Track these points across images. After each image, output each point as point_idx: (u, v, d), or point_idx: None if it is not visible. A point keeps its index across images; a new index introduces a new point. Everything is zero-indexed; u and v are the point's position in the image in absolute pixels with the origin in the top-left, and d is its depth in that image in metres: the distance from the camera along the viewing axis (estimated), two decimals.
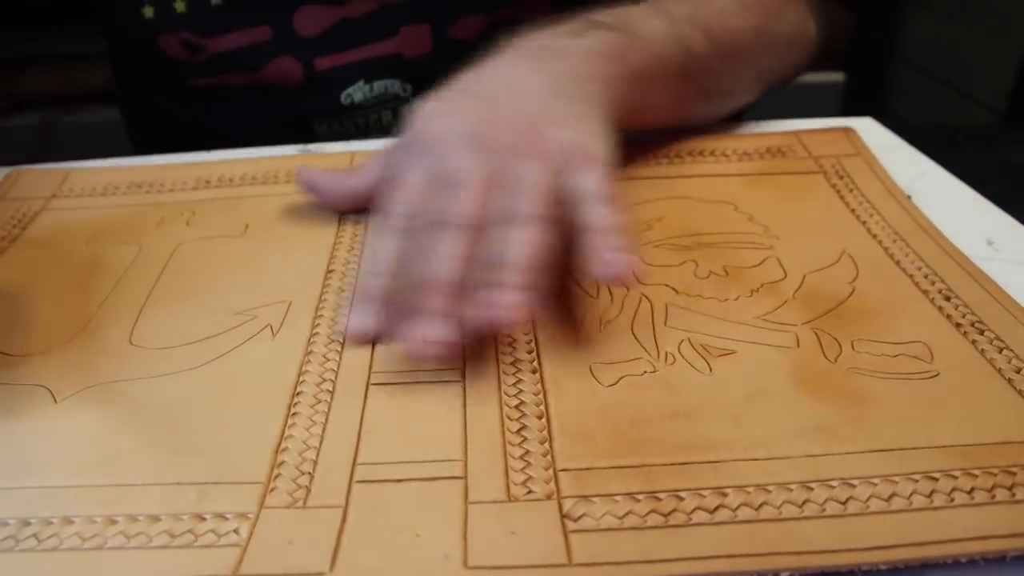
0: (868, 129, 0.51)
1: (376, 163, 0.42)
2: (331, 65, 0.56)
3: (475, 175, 0.35)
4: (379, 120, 0.58)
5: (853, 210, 0.42)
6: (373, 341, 0.34)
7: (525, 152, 0.36)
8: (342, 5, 0.56)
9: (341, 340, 0.34)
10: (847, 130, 0.50)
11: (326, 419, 0.30)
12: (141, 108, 0.67)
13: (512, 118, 0.38)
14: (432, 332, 0.31)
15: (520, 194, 0.35)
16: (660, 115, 0.48)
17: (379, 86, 0.56)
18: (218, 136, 0.53)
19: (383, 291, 0.34)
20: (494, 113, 0.38)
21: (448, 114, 0.39)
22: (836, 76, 1.63)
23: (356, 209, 0.43)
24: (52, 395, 0.32)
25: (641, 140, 0.50)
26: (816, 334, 0.34)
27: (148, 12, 0.56)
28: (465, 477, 0.27)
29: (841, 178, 0.45)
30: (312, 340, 0.34)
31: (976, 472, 0.27)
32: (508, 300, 0.31)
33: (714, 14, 0.49)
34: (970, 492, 0.26)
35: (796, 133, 0.50)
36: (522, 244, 0.33)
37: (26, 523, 0.26)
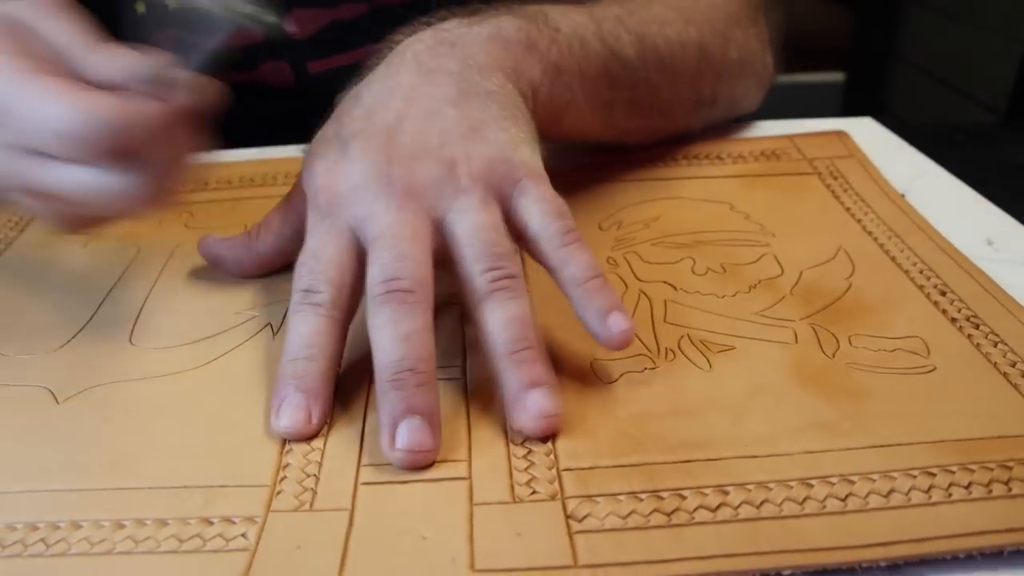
0: (868, 129, 0.52)
1: (277, 218, 0.38)
2: (323, 68, 0.56)
3: (397, 223, 0.31)
4: None
5: (848, 208, 0.43)
6: (311, 437, 0.29)
7: (445, 186, 0.32)
8: (334, 7, 0.56)
9: (281, 438, 0.29)
10: (840, 133, 0.50)
11: (330, 420, 0.30)
12: None
13: (420, 145, 0.32)
14: (412, 438, 0.28)
15: (472, 243, 0.31)
16: (584, 122, 0.42)
17: None
18: (212, 134, 0.53)
19: (317, 380, 0.30)
20: (397, 144, 0.33)
21: (340, 157, 0.33)
22: (836, 76, 1.64)
23: (267, 273, 0.39)
24: (54, 396, 0.32)
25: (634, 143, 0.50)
26: (814, 330, 0.34)
27: (140, 7, 0.56)
28: (470, 478, 0.27)
29: (835, 178, 0.46)
30: None
31: (973, 467, 0.27)
32: (544, 399, 0.29)
33: (649, 21, 0.44)
34: (967, 487, 0.26)
35: (790, 136, 0.50)
36: (519, 323, 0.30)
37: (34, 527, 0.26)
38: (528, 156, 0.34)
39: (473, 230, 0.31)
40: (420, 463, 0.28)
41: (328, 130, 0.35)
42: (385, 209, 0.31)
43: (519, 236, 0.33)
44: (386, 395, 0.28)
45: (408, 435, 0.27)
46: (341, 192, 0.32)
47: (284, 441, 0.29)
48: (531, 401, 0.28)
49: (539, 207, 0.32)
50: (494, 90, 0.35)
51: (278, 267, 0.38)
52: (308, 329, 0.30)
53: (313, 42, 0.56)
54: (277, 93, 0.57)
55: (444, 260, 0.32)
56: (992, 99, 1.28)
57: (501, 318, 0.30)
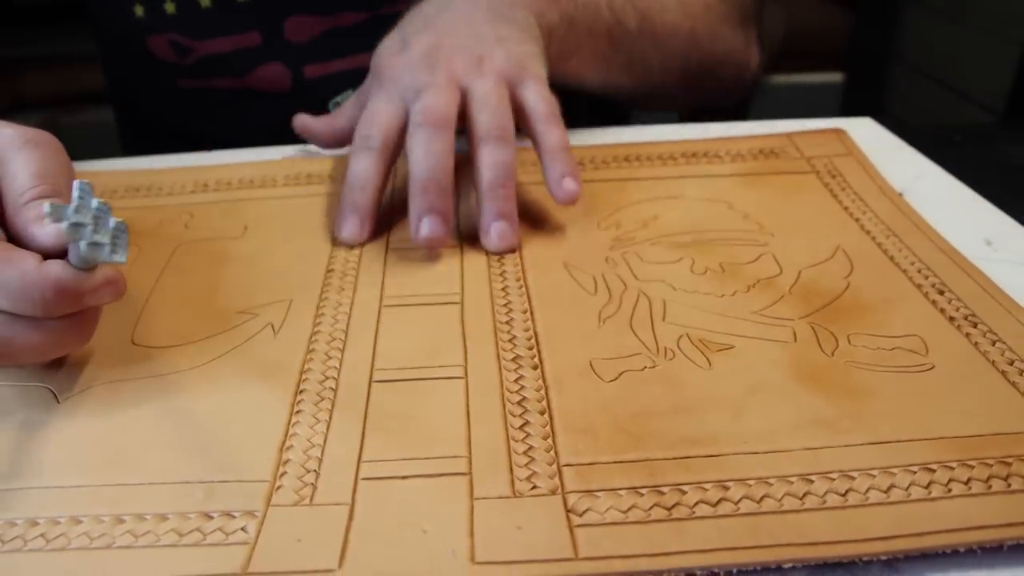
0: (867, 129, 0.52)
1: (353, 103, 0.47)
2: (320, 73, 0.57)
3: (436, 84, 0.41)
4: None
5: (846, 207, 0.43)
6: (362, 243, 0.41)
7: (474, 70, 0.42)
8: (332, 14, 0.56)
9: (334, 242, 0.41)
10: (838, 131, 0.51)
11: (330, 416, 0.30)
12: (131, 107, 0.67)
13: (457, 44, 0.43)
14: (431, 229, 0.39)
15: (488, 112, 0.41)
16: (584, 68, 0.52)
17: None
18: (207, 139, 0.53)
19: (366, 201, 0.41)
20: (441, 40, 0.43)
21: (402, 48, 0.44)
22: (835, 77, 1.64)
23: (343, 145, 0.48)
24: (55, 395, 0.32)
25: (632, 143, 0.50)
26: (813, 328, 0.34)
27: (138, 11, 0.56)
28: (470, 473, 0.27)
29: (833, 177, 0.46)
30: (314, 338, 0.34)
31: (972, 463, 0.27)
32: (507, 229, 0.40)
33: (653, 4, 0.54)
34: (966, 483, 0.26)
35: (788, 135, 0.50)
36: (502, 166, 0.40)
37: (34, 523, 0.26)
38: (536, 65, 0.44)
39: (484, 95, 0.41)
40: (435, 246, 0.39)
41: (395, 32, 0.46)
42: (429, 79, 0.42)
43: (518, 112, 0.42)
44: (416, 196, 0.39)
45: (428, 226, 0.39)
46: (399, 69, 0.43)
47: (284, 437, 0.29)
48: (495, 228, 0.40)
49: (535, 95, 0.42)
50: (518, 18, 0.46)
51: (349, 142, 0.45)
52: (362, 167, 0.41)
53: (311, 47, 0.57)
54: (272, 98, 0.57)
55: (462, 118, 0.42)
56: (990, 100, 1.29)
57: (490, 160, 0.40)
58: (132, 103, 0.67)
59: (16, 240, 0.31)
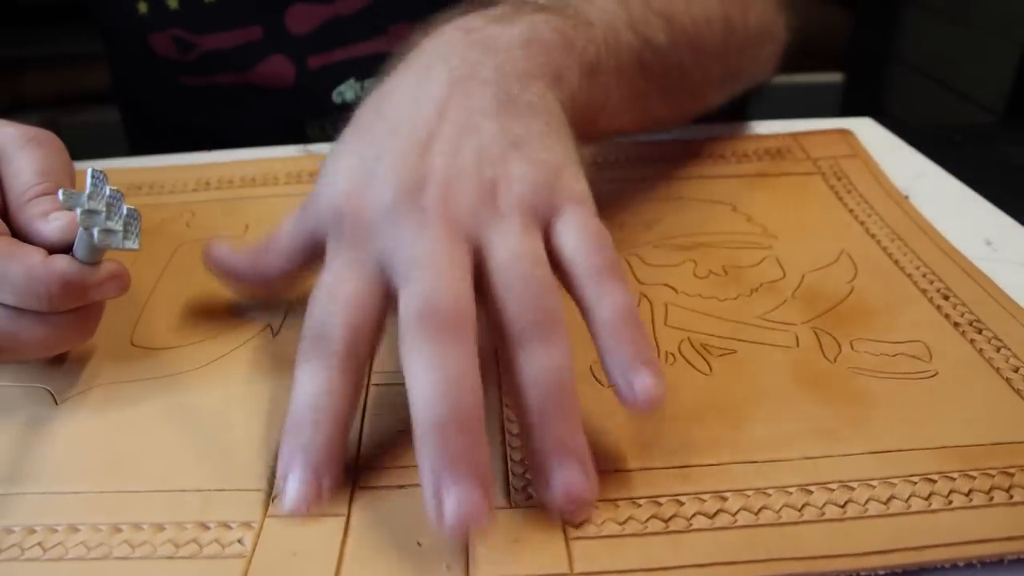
0: (867, 130, 0.51)
1: (291, 232, 0.32)
2: (323, 64, 0.56)
3: (436, 252, 0.27)
4: None
5: (851, 210, 0.42)
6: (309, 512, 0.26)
7: (485, 211, 0.28)
8: (332, 3, 0.55)
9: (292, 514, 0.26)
10: (844, 132, 0.50)
11: None
12: (136, 106, 0.67)
13: (459, 164, 0.29)
14: (463, 509, 0.23)
15: (514, 278, 0.27)
16: (619, 119, 0.39)
17: (370, 84, 0.56)
18: (211, 136, 0.53)
19: (326, 447, 0.26)
20: (432, 161, 0.29)
21: (371, 176, 0.29)
22: (835, 77, 1.62)
23: (272, 296, 0.36)
24: (53, 397, 0.32)
25: (635, 142, 0.49)
26: (815, 333, 0.34)
27: (141, 7, 0.56)
28: None
29: (839, 179, 0.45)
30: None
31: (974, 474, 0.27)
32: (578, 479, 0.25)
33: (677, 2, 0.41)
34: (968, 494, 0.26)
35: (794, 135, 0.50)
36: (557, 373, 0.26)
37: (31, 531, 0.26)
38: (573, 178, 0.30)
39: (512, 260, 0.27)
40: (471, 529, 0.24)
41: (349, 142, 0.32)
42: (418, 237, 0.27)
43: (555, 266, 0.29)
44: (428, 455, 0.24)
45: (457, 502, 0.23)
46: (367, 219, 0.28)
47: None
48: (559, 477, 0.25)
49: (578, 236, 0.29)
50: (535, 101, 0.31)
51: (285, 294, 0.35)
52: (315, 387, 0.26)
53: (312, 38, 0.56)
54: (275, 94, 0.57)
55: (479, 294, 0.28)
56: (990, 100, 1.28)
57: (536, 369, 0.26)
58: (136, 101, 0.67)
59: (19, 237, 0.31)
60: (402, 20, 0.55)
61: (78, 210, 0.27)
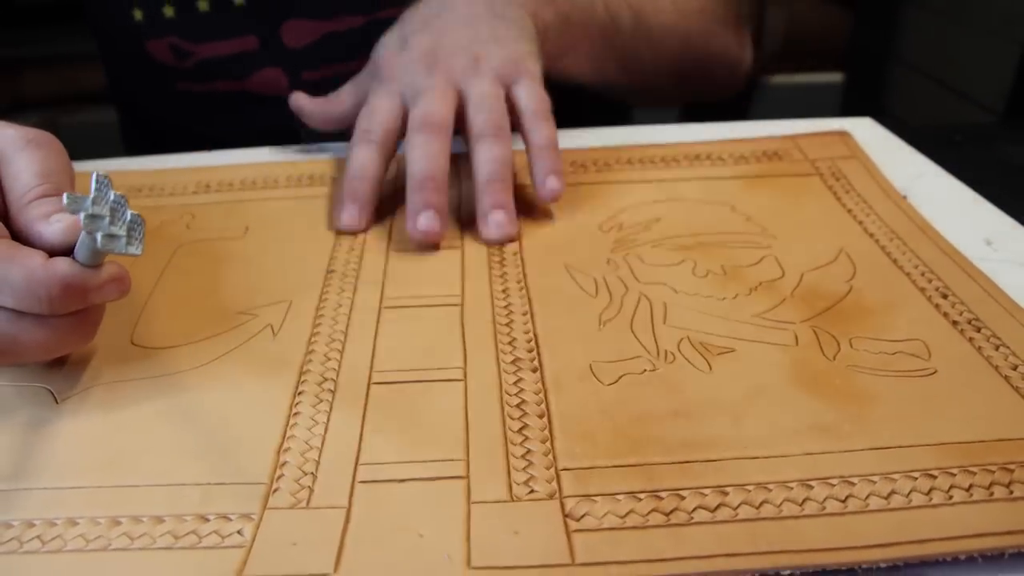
0: (867, 130, 0.52)
1: (349, 91, 0.48)
2: (317, 77, 0.57)
3: (434, 87, 0.43)
4: None
5: (850, 210, 0.43)
6: (363, 230, 0.42)
7: (470, 71, 0.44)
8: (329, 19, 0.56)
9: (336, 230, 0.42)
10: (842, 133, 0.50)
11: (328, 419, 0.30)
12: (133, 109, 0.68)
13: (455, 44, 0.45)
14: (427, 223, 0.40)
15: (484, 111, 0.42)
16: (579, 66, 0.53)
17: None
18: (206, 142, 0.53)
19: (364, 192, 0.43)
20: (439, 40, 0.45)
21: (401, 47, 0.46)
22: (835, 77, 1.63)
23: (337, 129, 0.49)
24: (53, 395, 0.32)
25: (635, 144, 0.50)
26: (815, 332, 0.34)
27: (137, 15, 0.56)
28: (467, 477, 0.27)
29: (837, 179, 0.46)
30: (313, 340, 0.34)
31: (974, 469, 0.27)
32: (504, 218, 0.41)
33: (650, 6, 0.55)
34: (968, 490, 0.26)
35: (792, 137, 0.50)
36: (499, 161, 0.41)
37: (30, 524, 0.26)
38: (530, 64, 0.45)
39: (481, 96, 0.43)
40: (431, 241, 0.40)
41: (395, 29, 0.47)
42: (427, 84, 0.43)
43: (512, 110, 0.44)
44: (414, 193, 0.40)
45: (425, 221, 0.40)
46: (399, 68, 0.45)
47: (282, 439, 0.29)
48: (493, 218, 0.41)
49: (528, 93, 0.44)
50: (515, 18, 0.47)
51: (343, 127, 0.48)
52: (362, 158, 0.43)
53: (308, 52, 0.57)
54: (271, 101, 0.57)
55: (459, 119, 0.43)
56: (990, 100, 1.28)
57: (487, 156, 0.41)
58: (133, 105, 0.67)
59: (20, 239, 0.31)
60: None
61: (82, 214, 0.27)
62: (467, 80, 0.43)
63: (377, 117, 0.44)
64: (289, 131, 0.52)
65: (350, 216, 0.42)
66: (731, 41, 0.61)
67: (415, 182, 0.40)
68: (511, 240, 0.41)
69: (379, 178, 0.43)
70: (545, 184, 0.41)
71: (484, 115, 0.42)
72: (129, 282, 0.31)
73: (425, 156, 0.41)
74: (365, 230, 0.42)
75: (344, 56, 0.56)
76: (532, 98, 0.44)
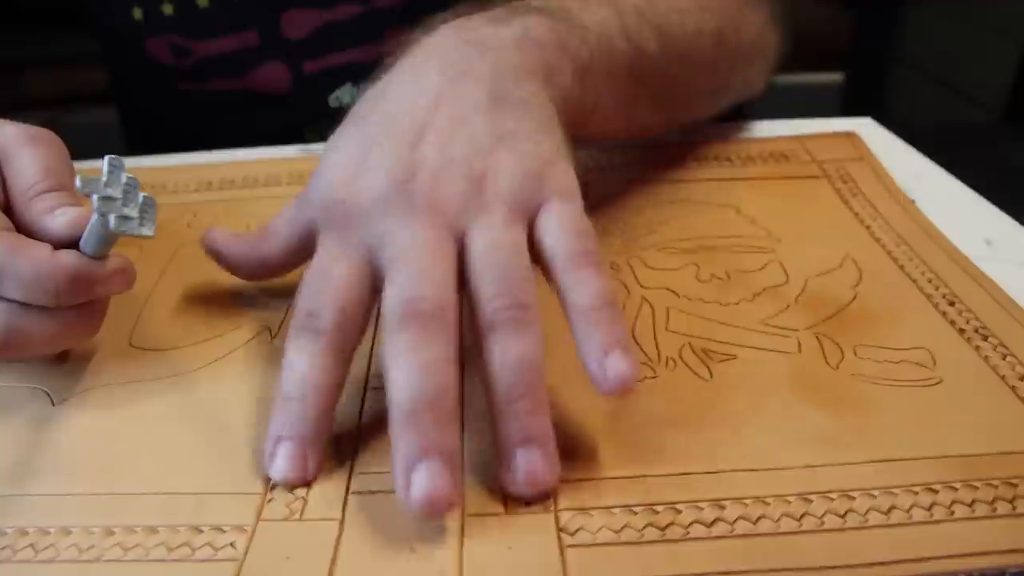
0: (868, 130, 0.51)
1: (287, 222, 0.34)
2: (319, 68, 0.56)
3: (421, 242, 0.28)
4: None
5: (856, 214, 0.42)
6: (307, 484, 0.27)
7: (472, 202, 0.29)
8: (328, 8, 0.55)
9: (270, 486, 0.27)
10: (851, 135, 0.50)
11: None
12: (133, 110, 0.68)
13: (446, 157, 0.30)
14: (429, 484, 0.24)
15: (491, 266, 0.28)
16: (609, 122, 0.40)
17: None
18: (207, 143, 0.53)
19: (313, 421, 0.27)
20: (421, 155, 0.30)
21: (364, 166, 0.30)
22: (836, 77, 1.62)
23: (269, 278, 0.36)
24: (50, 398, 0.32)
25: (641, 145, 0.49)
26: (818, 339, 0.33)
27: (137, 14, 0.56)
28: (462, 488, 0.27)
29: (845, 182, 0.45)
30: None
31: (977, 484, 0.26)
32: (537, 459, 0.26)
33: (669, 11, 0.42)
34: (970, 505, 0.26)
35: (800, 138, 0.50)
36: (525, 367, 0.26)
37: (24, 532, 0.26)
38: (561, 172, 0.31)
39: (490, 249, 0.28)
40: (438, 512, 0.25)
41: (345, 134, 0.32)
42: (405, 225, 0.29)
43: (537, 257, 0.30)
44: (401, 435, 0.25)
45: (426, 481, 0.24)
46: (358, 206, 0.30)
47: None
48: (522, 461, 0.26)
49: (559, 226, 0.29)
50: (527, 97, 0.32)
51: (281, 275, 0.36)
52: (305, 362, 0.28)
53: (308, 43, 0.56)
54: (272, 100, 0.57)
55: (462, 282, 0.29)
56: (991, 100, 1.27)
57: (504, 355, 0.27)
58: (134, 106, 0.67)
59: (24, 234, 0.31)
60: (397, 25, 0.55)
61: (95, 196, 0.28)
62: (468, 219, 0.29)
63: (328, 290, 0.29)
64: (291, 130, 0.52)
65: (286, 465, 0.27)
66: (760, 22, 0.50)
67: (402, 414, 0.25)
68: (546, 495, 0.26)
69: (332, 392, 0.28)
70: (604, 368, 0.26)
71: (497, 285, 0.28)
72: (134, 274, 0.31)
73: (418, 370, 0.26)
74: (312, 479, 0.27)
75: (344, 45, 0.56)
76: (565, 233, 0.29)
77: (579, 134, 0.35)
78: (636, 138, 0.46)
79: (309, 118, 0.56)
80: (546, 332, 0.33)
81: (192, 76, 0.58)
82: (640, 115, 0.43)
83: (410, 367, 0.26)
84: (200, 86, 0.58)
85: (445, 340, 0.27)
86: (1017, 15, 1.23)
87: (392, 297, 0.27)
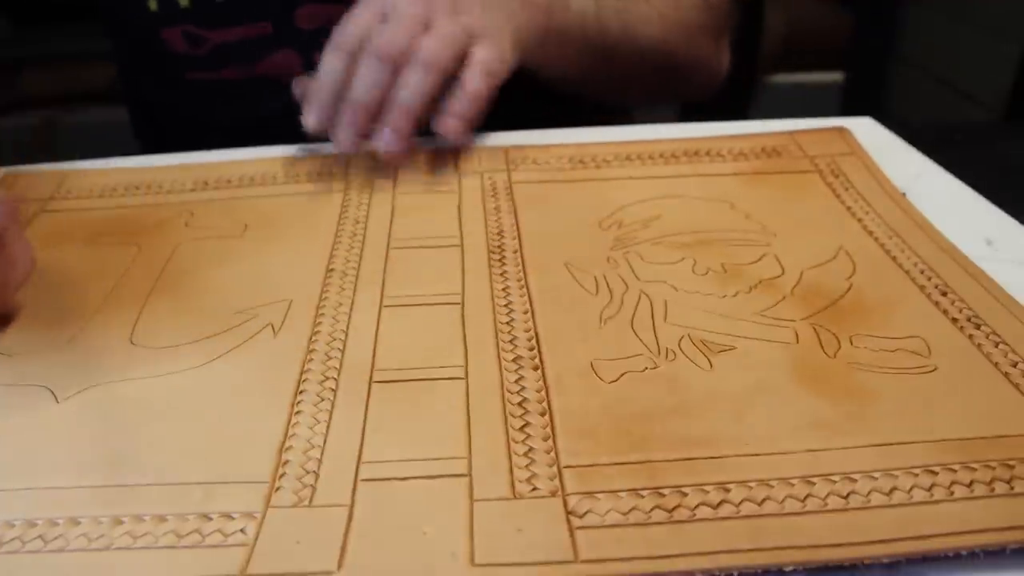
0: (867, 129, 0.52)
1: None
2: None
3: (405, 17, 0.45)
4: None
5: (849, 208, 0.43)
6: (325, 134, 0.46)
7: (450, 13, 0.46)
8: (342, 3, 0.56)
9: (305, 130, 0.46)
10: (841, 130, 0.50)
11: (329, 417, 0.30)
12: (142, 103, 0.68)
13: (449, 3, 0.46)
14: (345, 142, 0.45)
15: (434, 40, 0.44)
16: (563, 73, 0.54)
17: None
18: (218, 130, 0.54)
19: (325, 97, 0.46)
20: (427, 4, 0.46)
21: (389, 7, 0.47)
22: (835, 76, 1.63)
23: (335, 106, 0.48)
24: (54, 395, 0.32)
25: (634, 140, 0.50)
26: (815, 330, 0.34)
27: (152, 5, 0.56)
28: (470, 475, 0.27)
29: (836, 176, 0.46)
30: (314, 338, 0.34)
31: (975, 466, 0.27)
32: (391, 139, 0.45)
33: (639, 20, 0.56)
34: (969, 486, 0.26)
35: (791, 133, 0.50)
36: (415, 90, 0.44)
37: (32, 524, 0.26)
38: (501, 37, 0.47)
39: (442, 30, 0.45)
40: (341, 144, 0.46)
41: None
42: (406, 8, 0.46)
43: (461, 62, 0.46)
44: (343, 112, 0.45)
45: (344, 137, 0.46)
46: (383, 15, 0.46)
47: (284, 438, 0.29)
48: (384, 134, 0.45)
49: (485, 53, 0.46)
50: (508, 14, 0.48)
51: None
52: (327, 65, 0.46)
53: (321, 33, 0.57)
54: (280, 85, 0.57)
55: None
56: (991, 99, 1.29)
57: (408, 84, 0.44)
58: (142, 96, 0.67)
59: None
60: None
61: None
62: (441, 17, 0.45)
63: (350, 28, 0.46)
64: (296, 114, 0.52)
65: (313, 116, 0.46)
66: (711, 51, 0.63)
67: (346, 104, 0.44)
68: (395, 160, 0.46)
69: (339, 82, 0.45)
70: (446, 121, 0.45)
71: (433, 43, 0.44)
72: (17, 206, 0.35)
73: (365, 84, 0.44)
74: (325, 131, 0.46)
75: None
76: (486, 57, 0.45)
77: (538, 68, 0.51)
78: (578, 90, 0.58)
79: None
80: (546, 331, 0.34)
81: (205, 64, 0.58)
82: (589, 81, 0.57)
83: (363, 82, 0.45)
84: (212, 75, 0.59)
85: (387, 71, 0.44)
86: (1017, 14, 1.24)
87: (374, 39, 0.45)
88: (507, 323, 0.35)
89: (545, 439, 0.28)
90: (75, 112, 1.38)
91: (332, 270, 0.39)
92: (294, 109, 0.49)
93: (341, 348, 0.34)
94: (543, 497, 0.26)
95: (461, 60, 0.45)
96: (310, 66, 0.57)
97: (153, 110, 0.67)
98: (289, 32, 0.57)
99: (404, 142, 0.45)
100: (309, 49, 0.57)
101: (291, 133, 0.52)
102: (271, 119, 0.53)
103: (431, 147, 0.50)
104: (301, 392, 0.31)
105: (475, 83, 0.45)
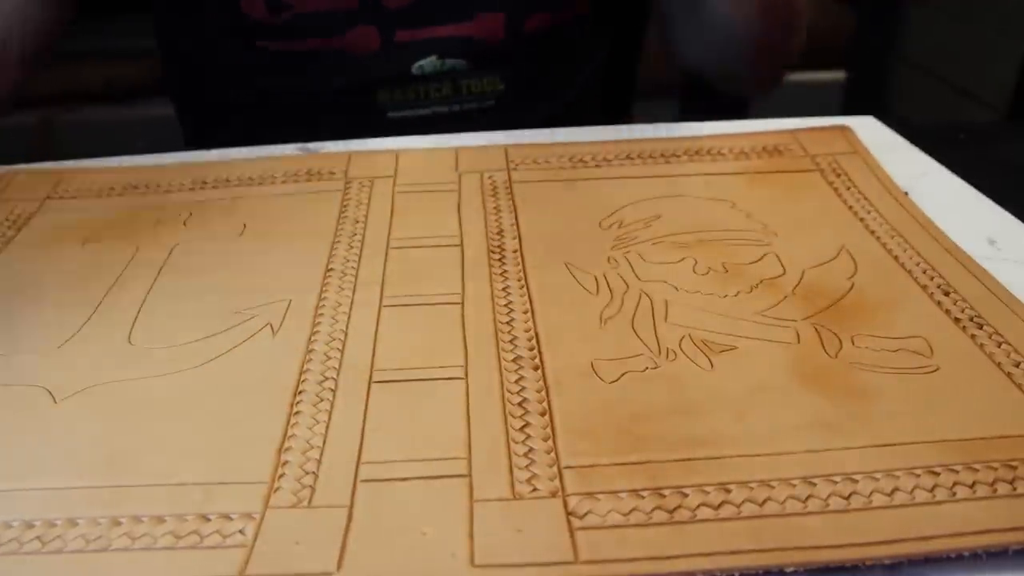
0: (869, 128, 0.51)
1: None
2: (409, 39, 0.57)
3: None
4: (439, 91, 0.59)
5: (851, 207, 0.43)
6: None
7: None
8: None
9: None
10: (843, 128, 0.50)
11: (329, 418, 0.30)
12: (193, 87, 0.67)
13: None
14: None
15: None
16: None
17: (450, 63, 0.57)
18: (274, 105, 0.53)
19: None
20: None
21: None
22: (837, 75, 1.63)
23: None
24: (51, 396, 0.32)
25: (634, 140, 0.50)
26: (816, 329, 0.34)
27: None
28: (469, 475, 0.27)
29: (838, 176, 0.46)
30: (313, 339, 0.34)
31: (977, 466, 0.27)
32: None
33: None
34: (971, 486, 0.26)
35: (793, 132, 0.50)
36: None
37: (30, 525, 0.26)
38: None
39: None
40: None
41: None
42: None
43: None
44: None
45: None
46: None
47: (283, 438, 0.29)
48: None
49: None
50: None
51: None
52: None
53: (404, 12, 0.57)
54: (356, 59, 0.57)
55: None
56: (994, 98, 1.29)
57: None
58: (196, 81, 0.66)
59: None
60: (488, 9, 0.57)
61: None
62: None
63: None
64: (366, 91, 0.52)
65: None
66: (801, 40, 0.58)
67: None
68: None
69: None
70: None
71: None
72: None
73: None
74: None
75: (438, 20, 0.57)
76: None
77: None
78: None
79: (387, 81, 0.58)
80: (547, 331, 0.34)
81: (281, 34, 0.58)
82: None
83: None
84: (284, 46, 0.58)
85: None
86: (1020, 13, 1.24)
87: None
88: (507, 323, 0.35)
89: (545, 439, 0.28)
90: (74, 111, 1.38)
91: (331, 270, 0.39)
92: (367, 86, 0.48)
93: (340, 348, 0.33)
94: (543, 497, 0.26)
95: None
96: (388, 44, 0.57)
97: (204, 96, 0.66)
98: (374, 8, 0.57)
99: None
100: (390, 27, 0.57)
101: (352, 106, 0.52)
102: (334, 91, 0.52)
103: (431, 147, 0.50)
104: (300, 392, 0.31)
105: None
